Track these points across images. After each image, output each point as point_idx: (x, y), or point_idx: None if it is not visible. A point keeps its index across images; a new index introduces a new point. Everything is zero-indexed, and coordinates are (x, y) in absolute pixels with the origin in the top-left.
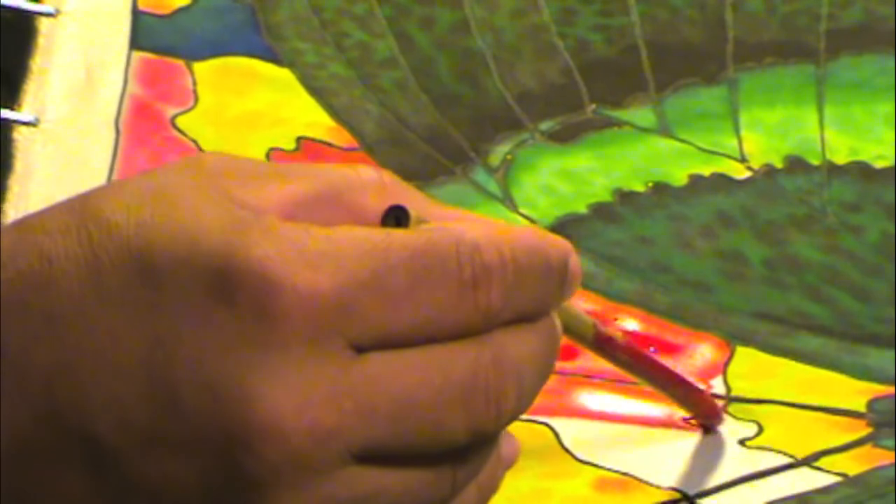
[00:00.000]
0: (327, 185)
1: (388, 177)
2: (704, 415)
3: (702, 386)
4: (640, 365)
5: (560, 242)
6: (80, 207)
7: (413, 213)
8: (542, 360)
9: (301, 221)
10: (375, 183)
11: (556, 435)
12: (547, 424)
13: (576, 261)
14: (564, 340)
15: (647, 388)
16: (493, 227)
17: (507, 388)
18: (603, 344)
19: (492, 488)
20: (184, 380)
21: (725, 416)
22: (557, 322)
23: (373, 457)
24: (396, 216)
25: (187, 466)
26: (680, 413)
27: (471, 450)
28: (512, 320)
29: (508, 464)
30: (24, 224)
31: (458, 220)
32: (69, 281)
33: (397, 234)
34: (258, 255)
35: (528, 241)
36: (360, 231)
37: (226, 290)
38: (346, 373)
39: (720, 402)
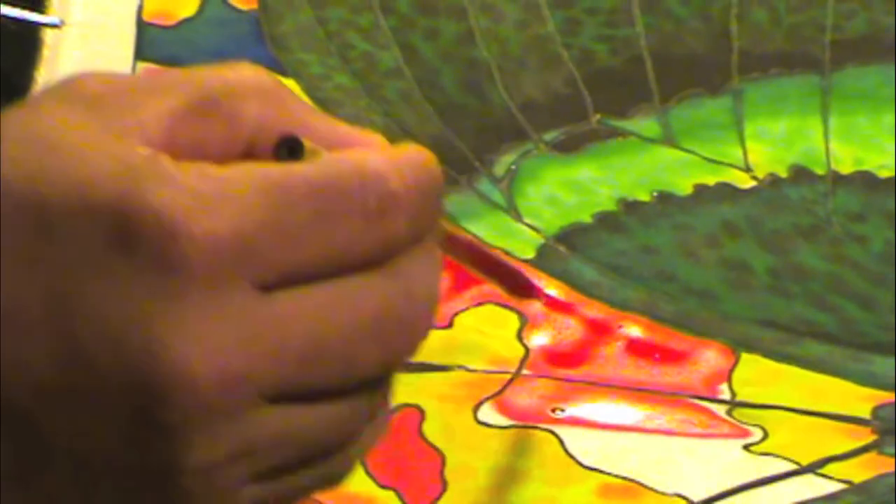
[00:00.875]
0: (205, 94)
1: (266, 79)
2: (521, 291)
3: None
4: (481, 261)
5: (433, 157)
6: None
7: (307, 143)
8: (438, 280)
9: (183, 142)
10: (254, 87)
11: (561, 442)
12: (552, 431)
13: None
14: (571, 346)
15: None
16: (390, 152)
17: (418, 316)
18: (452, 244)
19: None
20: (88, 334)
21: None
22: None
23: (287, 396)
24: (289, 146)
25: (102, 422)
26: (679, 418)
27: (383, 379)
28: (411, 245)
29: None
30: None
31: (349, 144)
32: None
33: (296, 168)
34: (154, 203)
35: (419, 162)
36: (257, 169)
37: (124, 240)
38: (252, 315)
39: (723, 408)
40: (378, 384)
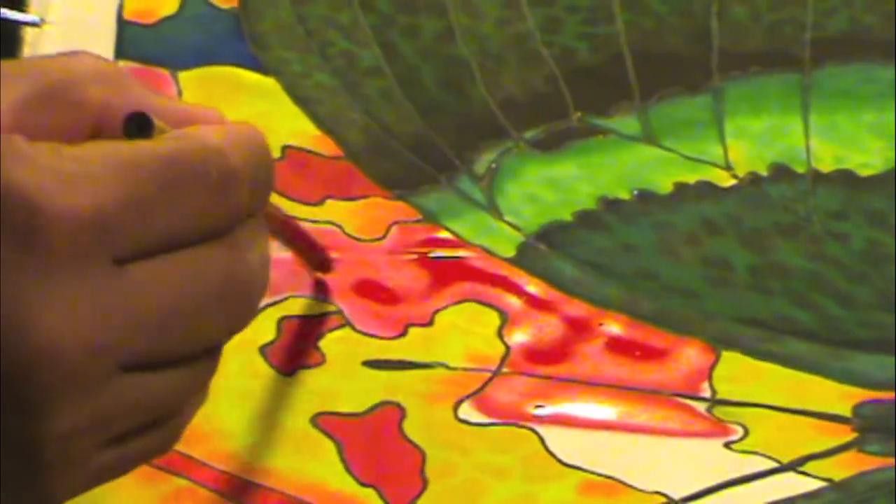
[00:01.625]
0: (50, 82)
1: (107, 66)
2: (317, 264)
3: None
4: (277, 227)
5: (262, 133)
6: None
7: (156, 121)
8: (268, 249)
9: (32, 128)
10: (95, 73)
11: (542, 439)
12: (532, 429)
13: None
14: (550, 344)
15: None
16: (229, 129)
17: (256, 284)
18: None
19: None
20: None
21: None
22: None
23: (140, 365)
24: (138, 123)
25: None
26: (659, 415)
27: (218, 347)
28: (247, 216)
29: None
30: None
31: (190, 121)
32: None
33: (145, 145)
34: (14, 181)
35: (256, 139)
36: (109, 147)
37: None
38: (111, 288)
39: (704, 405)
40: (215, 351)
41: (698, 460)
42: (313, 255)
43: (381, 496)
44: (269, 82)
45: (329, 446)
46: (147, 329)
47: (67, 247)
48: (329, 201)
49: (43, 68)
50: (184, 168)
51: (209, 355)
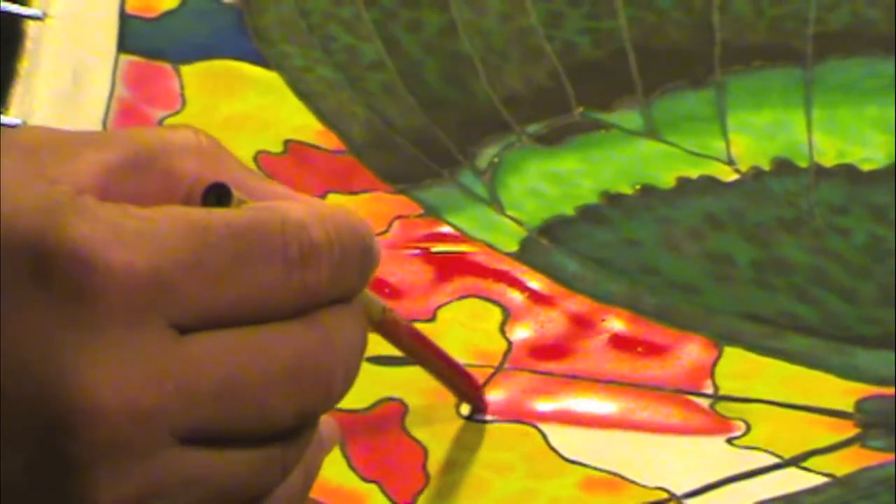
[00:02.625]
0: (142, 150)
1: (205, 139)
2: (473, 402)
3: (469, 374)
4: (420, 350)
5: (365, 221)
6: None
7: (235, 192)
8: (362, 340)
9: (117, 194)
10: (192, 146)
11: (544, 435)
12: (534, 425)
13: (378, 242)
14: (553, 339)
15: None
16: (315, 206)
17: (335, 369)
18: (388, 327)
19: (316, 472)
20: (2, 365)
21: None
22: None
23: (199, 439)
24: (218, 194)
25: (12, 454)
26: (662, 412)
27: (298, 432)
28: (333, 301)
29: (329, 447)
30: None
31: (279, 198)
32: None
33: (218, 212)
34: (72, 235)
35: (348, 221)
36: (179, 210)
37: (40, 271)
38: (166, 353)
39: (706, 401)
40: (293, 436)
41: (700, 456)
42: (463, 387)
43: (384, 492)
44: (272, 76)
45: None
46: (205, 400)
47: (120, 304)
48: (331, 195)
49: (138, 136)
50: (258, 238)
51: (286, 440)
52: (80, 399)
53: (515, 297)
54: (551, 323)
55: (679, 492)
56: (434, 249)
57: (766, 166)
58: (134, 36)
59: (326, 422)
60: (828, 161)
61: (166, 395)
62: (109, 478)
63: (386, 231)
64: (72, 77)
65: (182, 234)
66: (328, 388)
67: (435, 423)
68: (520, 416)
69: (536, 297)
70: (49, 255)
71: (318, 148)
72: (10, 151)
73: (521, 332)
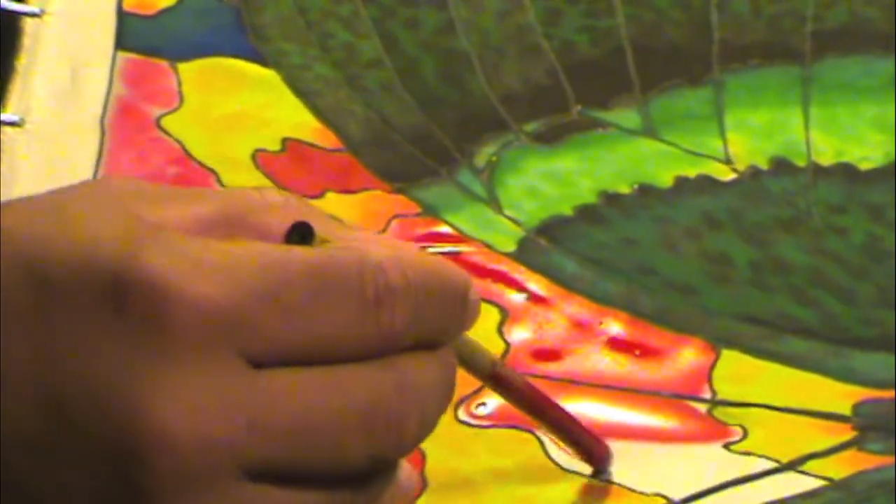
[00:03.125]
0: (231, 206)
1: (294, 199)
2: (596, 459)
3: (591, 431)
4: (535, 407)
5: (461, 272)
6: None
7: (318, 231)
8: (444, 389)
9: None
10: (280, 203)
11: (541, 444)
12: (532, 433)
13: (476, 293)
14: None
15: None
16: (397, 249)
17: (409, 414)
18: (500, 381)
19: None
20: (73, 391)
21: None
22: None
23: (268, 475)
24: (301, 233)
25: (79, 478)
26: (659, 416)
27: (371, 476)
28: (414, 346)
29: (407, 494)
30: None
31: (362, 241)
32: None
33: (298, 249)
34: (150, 264)
35: (431, 267)
36: (260, 245)
37: (116, 299)
38: (240, 386)
39: (704, 406)
40: (365, 480)
41: (698, 462)
42: (586, 446)
43: None
44: (270, 74)
45: None
46: (276, 436)
47: (195, 334)
48: (329, 194)
49: (229, 194)
50: (335, 277)
51: (358, 484)
52: (152, 428)
53: (514, 297)
54: (549, 324)
55: (677, 498)
56: (432, 249)
57: (763, 165)
58: (131, 33)
59: (406, 470)
60: (826, 160)
61: (238, 429)
62: None
63: (384, 230)
64: (70, 74)
65: (260, 269)
66: (399, 433)
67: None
68: (518, 422)
69: (535, 299)
70: (127, 284)
71: (315, 146)
72: (100, 192)
73: (520, 333)
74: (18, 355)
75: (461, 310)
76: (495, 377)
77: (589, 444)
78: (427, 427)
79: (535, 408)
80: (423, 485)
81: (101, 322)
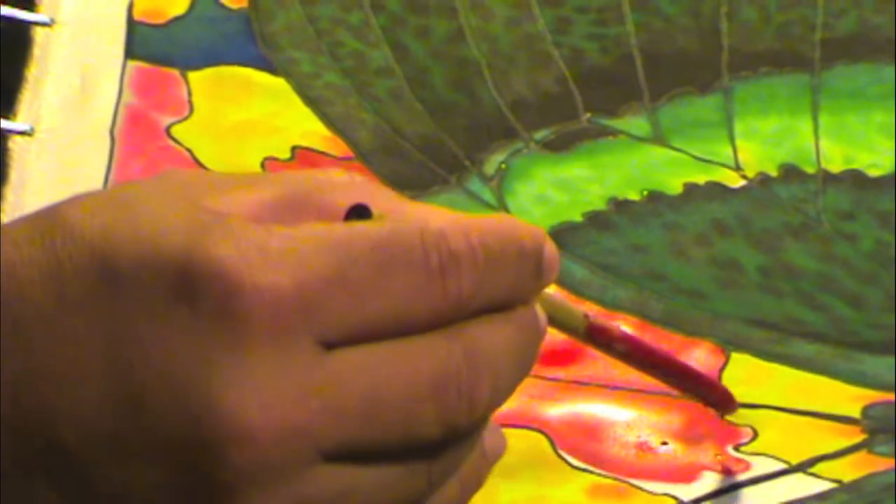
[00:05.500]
0: (295, 189)
1: (358, 176)
2: (716, 402)
3: (708, 375)
4: (639, 355)
5: (533, 229)
6: (46, 216)
7: (375, 209)
8: (520, 352)
9: (266, 222)
10: (345, 181)
11: (551, 442)
12: (541, 431)
13: (552, 248)
14: (561, 344)
15: (649, 385)
16: (459, 216)
17: (480, 381)
18: (596, 335)
19: (476, 484)
20: (147, 384)
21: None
22: (541, 313)
23: (344, 455)
24: (359, 212)
25: (154, 472)
26: (668, 418)
27: (446, 445)
28: (485, 309)
29: (493, 459)
30: None
31: (424, 212)
32: (33, 288)
33: (359, 226)
34: (219, 254)
35: (497, 228)
36: (321, 227)
37: (187, 290)
38: (313, 370)
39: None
40: (440, 450)
41: (707, 461)
42: (703, 391)
43: None
44: (280, 83)
45: None
46: (351, 417)
47: (267, 323)
48: None
49: (292, 176)
50: (399, 249)
51: (431, 455)
52: (229, 421)
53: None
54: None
55: (687, 499)
56: None
57: (773, 172)
58: (141, 42)
59: (493, 431)
60: (835, 167)
61: (313, 413)
62: (258, 497)
63: None
64: (79, 83)
65: (325, 251)
66: (471, 400)
67: None
68: (528, 422)
69: None
70: (195, 275)
71: (325, 154)
72: (164, 185)
73: None
74: (93, 350)
75: (534, 268)
76: (590, 331)
77: (708, 388)
78: (502, 392)
79: (642, 358)
80: None
81: (174, 315)
